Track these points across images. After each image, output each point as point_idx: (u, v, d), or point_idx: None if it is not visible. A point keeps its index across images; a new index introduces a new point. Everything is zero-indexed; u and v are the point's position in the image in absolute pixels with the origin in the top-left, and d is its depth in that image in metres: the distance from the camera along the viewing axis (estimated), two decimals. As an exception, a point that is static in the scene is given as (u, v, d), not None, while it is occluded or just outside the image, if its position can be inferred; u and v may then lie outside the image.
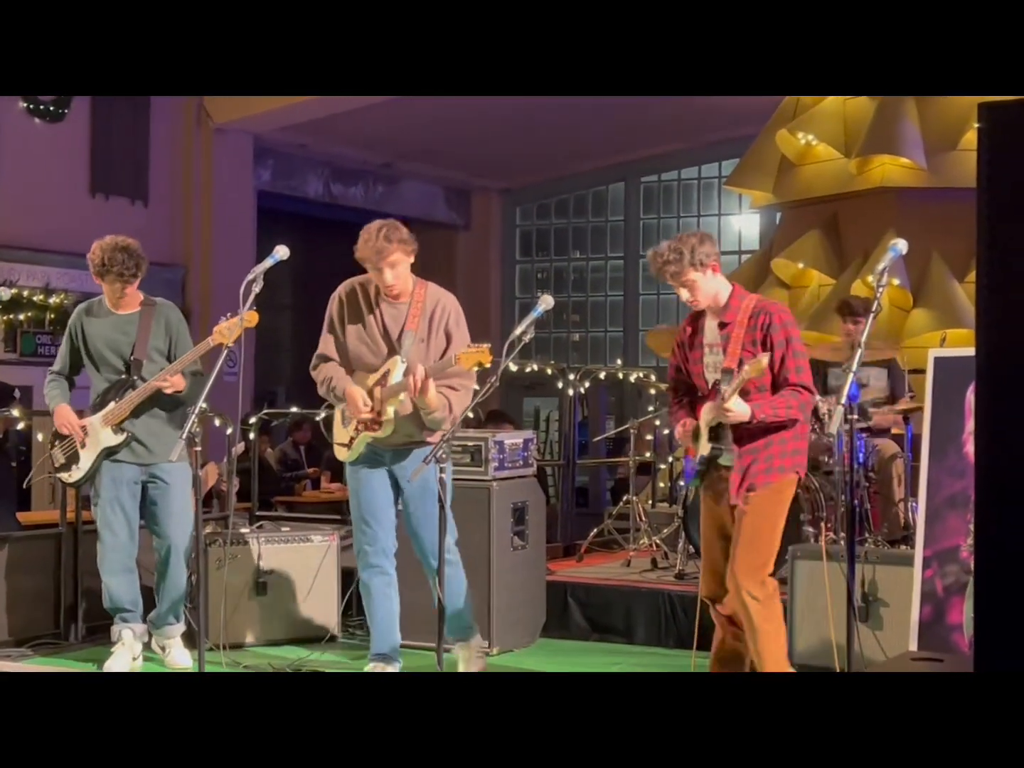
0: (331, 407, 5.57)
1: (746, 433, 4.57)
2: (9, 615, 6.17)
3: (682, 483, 7.15)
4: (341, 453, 5.31)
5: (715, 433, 4.60)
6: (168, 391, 5.46)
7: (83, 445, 5.59)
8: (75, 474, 5.63)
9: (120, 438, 5.53)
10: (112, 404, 5.55)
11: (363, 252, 5.07)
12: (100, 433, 5.55)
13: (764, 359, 4.38)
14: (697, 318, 4.78)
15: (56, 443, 5.68)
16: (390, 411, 5.10)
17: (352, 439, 5.23)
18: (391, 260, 5.04)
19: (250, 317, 5.11)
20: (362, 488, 5.29)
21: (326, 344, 5.29)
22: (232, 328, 5.14)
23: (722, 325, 4.64)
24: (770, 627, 4.59)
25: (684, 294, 4.64)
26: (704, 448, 4.64)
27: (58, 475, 5.74)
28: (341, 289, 5.30)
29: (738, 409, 4.46)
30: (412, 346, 5.12)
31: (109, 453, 5.55)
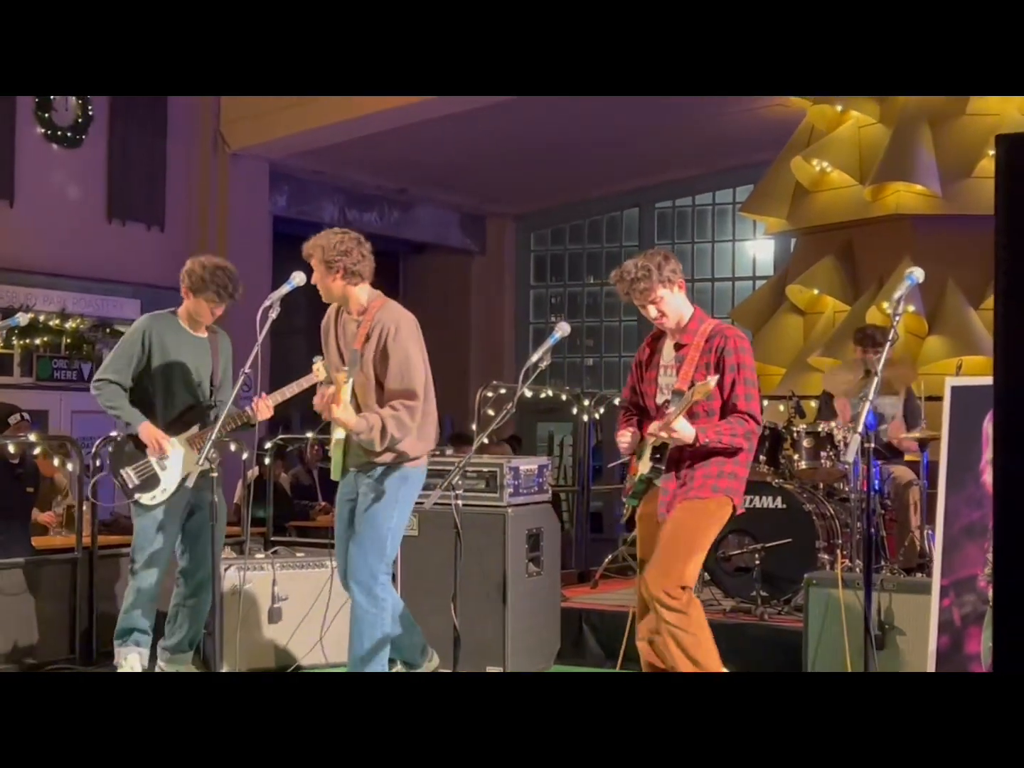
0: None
1: (687, 455, 4.58)
2: (24, 639, 6.17)
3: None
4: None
5: (658, 453, 4.60)
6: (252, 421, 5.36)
7: (163, 467, 5.42)
8: (159, 496, 5.42)
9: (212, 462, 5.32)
10: (196, 427, 5.45)
11: None
12: (188, 455, 5.40)
13: (712, 381, 4.40)
14: (657, 339, 4.81)
15: (125, 465, 5.44)
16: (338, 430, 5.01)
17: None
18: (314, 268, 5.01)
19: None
20: (337, 511, 5.26)
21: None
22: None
23: (679, 346, 4.68)
24: (689, 633, 4.51)
25: (652, 311, 4.65)
26: (645, 466, 4.64)
27: (137, 496, 5.45)
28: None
29: (683, 430, 4.46)
30: (355, 364, 4.96)
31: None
